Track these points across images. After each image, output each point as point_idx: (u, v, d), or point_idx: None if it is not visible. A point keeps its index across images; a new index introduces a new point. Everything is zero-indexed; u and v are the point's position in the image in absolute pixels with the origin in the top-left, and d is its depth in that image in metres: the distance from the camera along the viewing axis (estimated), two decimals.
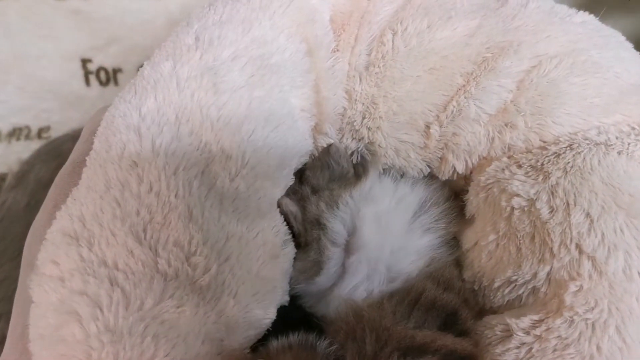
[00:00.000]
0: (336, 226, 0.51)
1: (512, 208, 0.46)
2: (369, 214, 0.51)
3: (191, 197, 0.41)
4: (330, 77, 0.51)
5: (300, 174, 0.53)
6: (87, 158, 0.44)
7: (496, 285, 0.46)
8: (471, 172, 0.53)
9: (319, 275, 0.50)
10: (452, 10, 0.50)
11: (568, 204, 0.43)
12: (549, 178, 0.45)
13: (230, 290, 0.42)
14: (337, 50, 0.52)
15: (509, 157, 0.49)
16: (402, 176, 0.56)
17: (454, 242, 0.53)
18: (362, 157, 0.54)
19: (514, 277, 0.45)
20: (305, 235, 0.50)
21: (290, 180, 0.50)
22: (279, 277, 0.46)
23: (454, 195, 0.56)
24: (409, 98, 0.51)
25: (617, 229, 0.41)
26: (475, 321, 0.46)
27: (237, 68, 0.45)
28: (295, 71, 0.48)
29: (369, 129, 0.53)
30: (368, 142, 0.54)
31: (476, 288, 0.49)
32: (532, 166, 0.47)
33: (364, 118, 0.53)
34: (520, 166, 0.48)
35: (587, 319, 0.39)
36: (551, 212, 0.44)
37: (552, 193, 0.44)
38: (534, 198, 0.45)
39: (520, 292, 0.45)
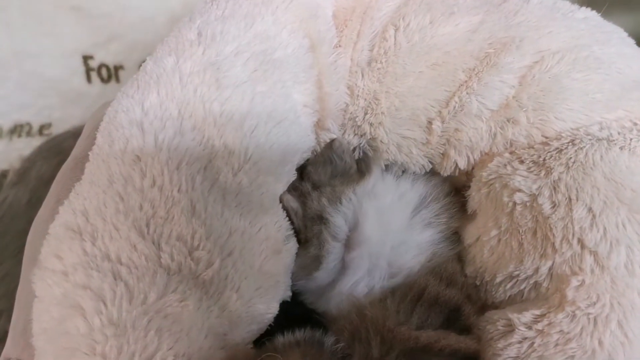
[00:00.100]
0: (338, 221, 0.51)
1: (514, 203, 0.46)
2: (371, 210, 0.51)
3: (194, 191, 0.42)
4: (333, 73, 0.51)
5: (302, 170, 0.53)
6: (89, 153, 0.44)
7: (498, 280, 0.46)
8: (473, 168, 0.53)
9: (318, 270, 0.50)
10: (454, 6, 0.50)
11: (570, 199, 0.43)
12: (551, 173, 0.45)
13: (233, 284, 0.42)
14: (340, 45, 0.52)
15: (511, 153, 0.49)
16: (403, 172, 0.56)
17: (455, 237, 0.53)
18: (364, 153, 0.54)
19: (516, 272, 0.45)
20: (305, 232, 0.50)
21: (292, 176, 0.50)
22: (281, 272, 0.47)
23: (454, 190, 0.56)
24: (411, 94, 0.51)
25: (619, 224, 0.41)
26: (478, 316, 0.46)
27: (239, 63, 0.45)
28: (298, 66, 0.48)
29: (371, 124, 0.53)
30: (370, 138, 0.54)
31: (478, 283, 0.49)
32: (534, 162, 0.47)
33: (366, 114, 0.53)
34: (522, 162, 0.48)
35: (589, 314, 0.39)
36: (553, 207, 0.44)
37: (554, 188, 0.44)
38: (536, 193, 0.45)
39: (522, 287, 0.45)
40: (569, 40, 0.48)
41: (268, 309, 0.45)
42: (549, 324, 0.40)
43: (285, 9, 0.48)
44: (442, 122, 0.51)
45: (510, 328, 0.42)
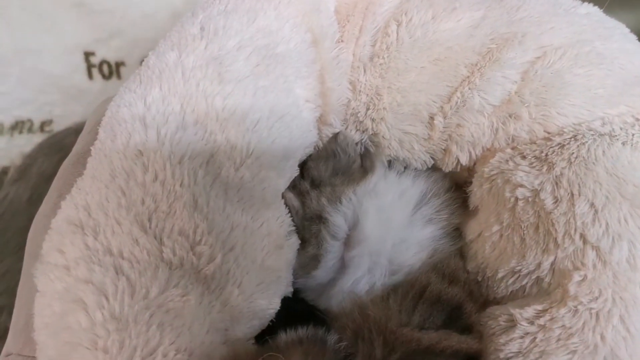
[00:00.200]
0: (338, 220, 0.51)
1: (516, 199, 0.46)
2: (371, 208, 0.51)
3: (196, 186, 0.41)
4: (335, 68, 0.51)
5: (303, 166, 0.53)
6: (92, 148, 0.44)
7: (500, 275, 0.46)
8: (475, 164, 0.53)
9: (316, 269, 0.50)
10: (456, 1, 0.50)
11: (572, 195, 0.43)
12: (553, 169, 0.45)
13: (234, 279, 0.42)
14: (342, 41, 0.52)
15: (512, 149, 0.49)
16: (405, 169, 0.56)
17: (456, 233, 0.53)
18: (365, 148, 0.54)
19: (518, 268, 0.45)
20: (302, 232, 0.50)
21: (295, 171, 0.50)
22: (283, 267, 0.47)
23: (455, 186, 0.56)
24: (413, 89, 0.51)
25: (622, 219, 0.41)
26: (479, 314, 0.46)
27: (242, 58, 0.45)
28: (300, 61, 0.48)
29: (372, 120, 0.53)
30: (372, 134, 0.54)
31: (480, 279, 0.49)
32: (536, 157, 0.47)
33: (367, 109, 0.53)
34: (524, 157, 0.48)
35: (591, 309, 0.39)
36: (555, 202, 0.44)
37: (557, 183, 0.44)
38: (538, 189, 0.45)
39: (524, 282, 0.45)
40: (571, 35, 0.48)
41: (270, 305, 0.45)
42: (551, 319, 0.40)
43: (288, 4, 0.48)
44: (444, 117, 0.51)
45: (512, 323, 0.42)
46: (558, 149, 0.46)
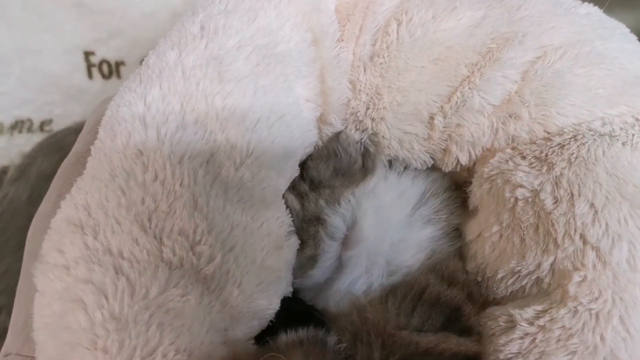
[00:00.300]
0: (336, 221, 0.50)
1: (516, 199, 0.46)
2: (370, 209, 0.51)
3: (196, 186, 0.41)
4: (335, 67, 0.51)
5: (303, 165, 0.53)
6: (91, 147, 0.44)
7: (500, 276, 0.46)
8: (474, 164, 0.53)
9: (313, 269, 0.50)
10: (457, 0, 0.50)
11: (572, 195, 0.43)
12: (553, 169, 0.45)
13: (234, 280, 0.42)
14: (342, 40, 0.52)
15: (512, 149, 0.49)
16: (405, 169, 0.56)
17: (455, 233, 0.53)
18: (365, 148, 0.54)
19: (518, 268, 0.45)
20: (301, 234, 0.50)
21: (295, 171, 0.50)
22: (283, 267, 0.46)
23: (454, 186, 0.56)
24: (413, 89, 0.51)
25: (621, 219, 0.41)
26: (478, 316, 0.46)
27: (242, 57, 0.45)
28: (301, 60, 0.48)
29: (372, 119, 0.53)
30: (372, 133, 0.54)
31: (479, 279, 0.49)
32: (536, 157, 0.47)
33: (367, 109, 0.53)
34: (524, 157, 0.48)
35: (591, 309, 0.39)
36: (555, 202, 0.44)
37: (556, 184, 0.44)
38: (538, 189, 0.45)
39: (523, 282, 0.45)
40: (571, 35, 0.48)
41: (269, 305, 0.45)
42: (551, 319, 0.40)
43: (288, 3, 0.48)
44: (444, 117, 0.51)
45: (512, 324, 0.42)
46: (558, 149, 0.46)
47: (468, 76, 0.50)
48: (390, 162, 0.56)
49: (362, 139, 0.54)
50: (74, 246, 0.38)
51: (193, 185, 0.41)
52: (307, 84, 0.49)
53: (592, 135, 0.45)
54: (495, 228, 0.48)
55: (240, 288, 0.43)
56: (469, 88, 0.49)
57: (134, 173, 0.41)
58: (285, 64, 0.47)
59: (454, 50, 0.50)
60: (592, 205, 0.42)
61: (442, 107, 0.51)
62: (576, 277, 0.40)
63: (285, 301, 0.47)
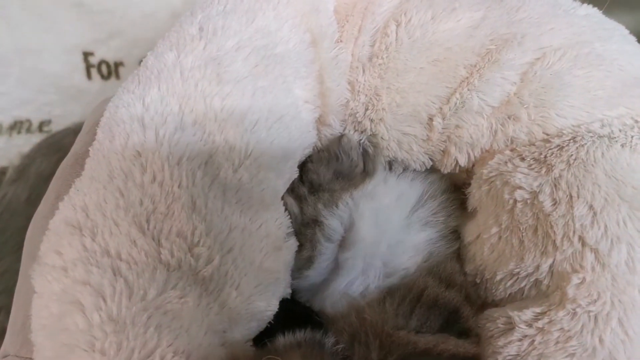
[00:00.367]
0: (333, 224, 0.51)
1: (515, 201, 0.46)
2: (367, 210, 0.51)
3: (195, 187, 0.41)
4: (334, 68, 0.51)
5: (302, 167, 0.53)
6: (90, 148, 0.44)
7: (498, 278, 0.46)
8: (473, 165, 0.53)
9: (309, 269, 0.50)
10: (456, 1, 0.50)
11: (571, 197, 0.43)
12: (552, 171, 0.45)
13: (232, 281, 0.42)
14: (341, 41, 0.52)
15: (511, 150, 0.49)
16: (403, 170, 0.56)
17: (452, 235, 0.53)
18: (364, 149, 0.54)
19: (517, 270, 0.45)
20: (299, 237, 0.50)
21: (294, 172, 0.50)
22: (281, 269, 0.46)
23: (453, 188, 0.56)
24: (412, 90, 0.51)
25: (620, 221, 0.41)
26: (477, 318, 0.46)
27: (240, 58, 0.45)
28: (299, 61, 0.48)
29: (371, 120, 0.53)
30: (370, 134, 0.54)
31: (478, 281, 0.49)
32: (535, 159, 0.47)
33: (366, 110, 0.53)
34: (523, 159, 0.48)
35: (589, 312, 0.39)
36: (554, 204, 0.44)
37: (555, 185, 0.44)
38: (537, 191, 0.45)
39: (522, 284, 0.45)
40: (570, 36, 0.48)
41: (268, 306, 0.45)
42: (550, 321, 0.40)
43: (287, 4, 0.48)
44: (443, 118, 0.51)
45: (511, 326, 0.42)
46: (557, 150, 0.46)
47: (467, 77, 0.50)
48: (389, 163, 0.56)
49: (360, 140, 0.54)
50: (72, 248, 0.38)
51: (191, 186, 0.41)
52: (305, 85, 0.49)
53: (591, 136, 0.45)
54: (494, 230, 0.48)
55: (238, 290, 0.42)
56: (468, 89, 0.49)
57: (132, 174, 0.41)
58: (284, 65, 0.47)
59: (453, 51, 0.50)
60: (591, 207, 0.42)
61: (441, 108, 0.51)
62: (575, 279, 0.40)
63: (283, 302, 0.47)
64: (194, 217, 0.41)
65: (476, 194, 0.51)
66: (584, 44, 0.47)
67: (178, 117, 0.42)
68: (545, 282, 0.43)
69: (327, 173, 0.52)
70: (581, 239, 0.41)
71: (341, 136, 0.53)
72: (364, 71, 0.52)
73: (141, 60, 0.46)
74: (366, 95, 0.53)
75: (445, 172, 0.54)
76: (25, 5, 0.90)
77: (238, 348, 0.43)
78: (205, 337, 0.40)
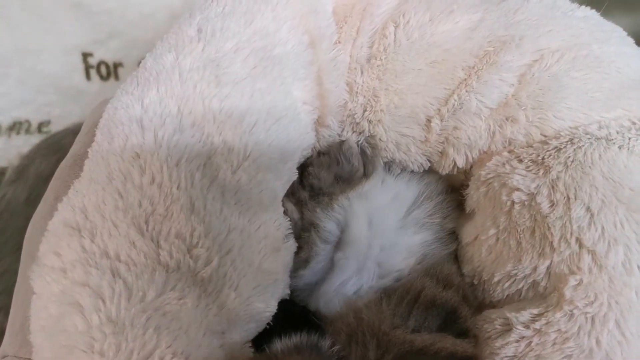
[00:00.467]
0: (329, 226, 0.51)
1: (513, 202, 0.46)
2: (361, 211, 0.51)
3: (193, 189, 0.41)
4: (333, 69, 0.51)
5: (302, 170, 0.53)
6: (89, 150, 0.44)
7: (496, 279, 0.46)
8: (471, 167, 0.53)
9: (304, 269, 0.50)
10: (454, 3, 0.50)
11: (568, 198, 0.43)
12: (550, 172, 0.45)
13: (231, 282, 0.42)
14: (339, 42, 0.52)
15: (509, 152, 0.49)
16: (401, 171, 0.56)
17: (448, 237, 0.53)
18: (362, 151, 0.54)
19: (514, 271, 0.45)
20: (299, 242, 0.50)
21: (293, 174, 0.50)
22: (280, 270, 0.46)
23: (451, 189, 0.57)
24: (411, 91, 0.51)
25: (618, 223, 0.41)
26: (475, 318, 0.46)
27: (239, 60, 0.45)
28: (298, 63, 0.48)
29: (369, 122, 0.53)
30: (369, 136, 0.54)
31: (476, 282, 0.49)
32: (532, 160, 0.47)
33: (365, 111, 0.53)
34: (521, 160, 0.48)
35: (586, 313, 0.39)
36: (552, 206, 0.44)
37: (553, 187, 0.44)
38: (535, 192, 0.45)
39: (520, 286, 0.45)
40: (568, 38, 0.48)
41: (266, 307, 0.45)
42: (547, 323, 0.40)
43: (285, 5, 0.48)
44: (441, 120, 0.51)
45: (508, 327, 0.42)
46: (554, 152, 0.46)
47: (465, 79, 0.50)
48: (387, 164, 0.56)
49: (359, 141, 0.54)
50: (71, 249, 0.38)
51: (190, 188, 0.41)
52: (304, 86, 0.49)
53: (589, 138, 0.46)
54: (492, 231, 0.48)
55: (237, 291, 0.43)
56: (466, 91, 0.49)
57: (131, 176, 0.41)
58: (283, 67, 0.47)
59: (451, 53, 0.50)
60: (588, 208, 0.42)
61: (439, 109, 0.51)
62: (572, 281, 0.40)
63: (282, 303, 0.47)
64: (192, 219, 0.41)
65: (474, 196, 0.51)
66: (582, 46, 0.47)
67: (177, 119, 0.42)
68: (543, 283, 0.43)
69: (328, 177, 0.52)
70: (578, 241, 0.41)
71: (342, 142, 0.53)
72: (362, 72, 0.52)
73: (140, 61, 0.46)
74: (364, 96, 0.53)
75: (443, 173, 0.55)
76: (25, 5, 0.90)
77: (237, 350, 0.43)
78: (204, 338, 0.40)
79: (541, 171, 0.46)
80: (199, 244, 0.41)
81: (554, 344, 0.40)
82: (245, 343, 0.44)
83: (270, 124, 0.46)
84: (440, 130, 0.52)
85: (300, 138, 0.49)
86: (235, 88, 0.44)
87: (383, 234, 0.51)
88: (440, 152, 0.53)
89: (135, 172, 0.41)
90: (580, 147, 0.45)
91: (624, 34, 0.50)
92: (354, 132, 0.54)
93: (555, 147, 0.46)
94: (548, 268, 0.43)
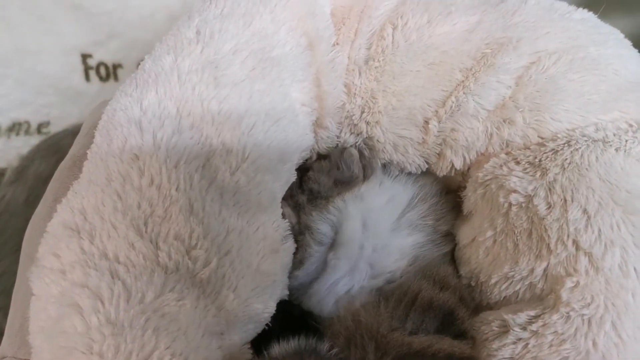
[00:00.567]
0: (323, 228, 0.51)
1: (510, 204, 0.47)
2: (356, 213, 0.52)
3: (192, 190, 0.42)
4: (331, 71, 0.51)
5: (302, 174, 0.53)
6: (88, 151, 0.44)
7: (493, 281, 0.47)
8: (469, 169, 0.53)
9: (299, 270, 0.50)
10: (452, 5, 0.50)
11: (565, 201, 0.43)
12: (547, 174, 0.45)
13: (230, 284, 0.42)
14: (337, 44, 0.52)
15: (507, 154, 0.49)
16: (399, 173, 0.56)
17: (442, 239, 0.54)
18: (360, 153, 0.55)
19: (511, 273, 0.45)
20: (296, 244, 0.50)
21: (292, 175, 0.50)
22: (278, 271, 0.46)
23: (450, 191, 0.57)
24: (409, 93, 0.51)
25: (614, 225, 0.41)
26: (472, 320, 0.46)
27: (238, 62, 0.45)
28: (296, 65, 0.48)
29: (367, 123, 0.53)
30: (366, 137, 0.54)
31: (473, 284, 0.49)
32: (530, 162, 0.47)
33: (362, 112, 0.53)
34: (518, 162, 0.48)
35: (583, 315, 0.40)
36: (548, 208, 0.44)
37: (550, 189, 0.44)
38: (532, 194, 0.45)
39: (517, 288, 0.45)
40: (565, 41, 0.48)
41: (265, 309, 0.45)
42: (544, 325, 0.41)
43: (284, 7, 0.48)
44: (439, 121, 0.51)
45: (505, 329, 0.43)
46: (552, 154, 0.46)
47: (463, 81, 0.50)
48: (385, 166, 0.56)
49: (356, 142, 0.54)
50: (70, 250, 0.39)
51: (189, 189, 0.42)
52: (302, 88, 0.50)
53: (586, 140, 0.46)
54: (489, 233, 0.48)
55: (235, 292, 0.43)
56: (464, 93, 0.50)
57: (130, 177, 0.41)
58: (281, 68, 0.47)
59: (449, 54, 0.50)
60: (585, 211, 0.42)
61: (436, 111, 0.51)
62: (569, 283, 0.41)
63: (281, 304, 0.47)
64: (191, 220, 0.41)
65: (471, 197, 0.51)
66: (579, 48, 0.48)
67: (175, 121, 0.42)
68: (540, 285, 0.43)
69: (327, 181, 0.52)
70: (575, 243, 0.42)
71: (344, 149, 0.54)
72: (360, 74, 0.52)
73: (139, 63, 0.47)
74: (362, 98, 0.53)
75: (441, 175, 0.55)
76: (24, 6, 0.90)
77: (235, 351, 0.43)
78: (202, 339, 0.40)
79: (538, 173, 0.46)
80: (198, 245, 0.41)
81: (551, 345, 0.40)
82: (244, 344, 0.44)
83: (269, 125, 0.46)
84: (438, 131, 0.52)
85: (298, 139, 0.49)
86: (233, 90, 0.44)
87: (376, 236, 0.51)
88: (438, 154, 0.54)
89: (134, 173, 0.41)
90: (577, 149, 0.45)
91: (622, 36, 0.50)
92: (351, 133, 0.55)
93: (552, 149, 0.46)
94: (545, 270, 0.43)
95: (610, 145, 0.45)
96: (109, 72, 0.97)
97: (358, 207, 0.52)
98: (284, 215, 0.49)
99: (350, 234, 0.51)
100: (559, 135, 0.47)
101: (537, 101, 0.48)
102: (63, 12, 0.91)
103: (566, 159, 0.45)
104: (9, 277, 0.67)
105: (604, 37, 0.49)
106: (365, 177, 0.53)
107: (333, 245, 0.51)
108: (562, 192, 0.44)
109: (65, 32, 0.93)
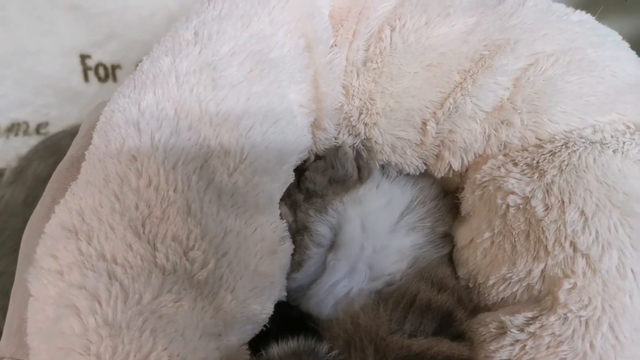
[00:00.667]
0: (322, 229, 0.51)
1: (508, 206, 0.47)
2: (355, 215, 0.52)
3: (190, 191, 0.42)
4: (329, 73, 0.51)
5: (300, 174, 0.53)
6: (86, 152, 0.44)
7: (491, 282, 0.47)
8: (467, 170, 0.53)
9: (297, 272, 0.50)
10: (450, 7, 0.50)
11: (563, 202, 0.43)
12: (545, 176, 0.45)
13: (228, 285, 0.42)
14: (335, 45, 0.52)
15: (504, 155, 0.49)
16: (397, 175, 0.56)
17: (440, 241, 0.54)
18: (358, 154, 0.55)
19: (509, 275, 0.45)
20: (294, 244, 0.50)
21: (290, 176, 0.50)
22: (276, 272, 0.47)
23: (446, 192, 0.57)
24: (406, 94, 0.51)
25: (612, 227, 0.41)
26: (470, 320, 0.46)
27: (235, 63, 0.45)
28: (294, 66, 0.48)
29: (365, 124, 0.53)
30: (364, 138, 0.54)
31: (471, 285, 0.49)
32: (527, 164, 0.47)
33: (360, 114, 0.53)
34: (516, 164, 0.48)
35: (580, 316, 0.40)
36: (546, 210, 0.44)
37: (547, 191, 0.45)
38: (529, 196, 0.45)
39: (514, 289, 0.45)
40: (563, 42, 0.48)
41: (263, 310, 0.45)
42: (541, 326, 0.41)
43: (282, 9, 0.48)
44: (437, 123, 0.51)
45: (503, 330, 0.43)
46: (549, 156, 0.46)
47: (460, 82, 0.50)
48: (383, 167, 0.56)
49: (354, 144, 0.54)
50: (68, 252, 0.39)
51: (187, 190, 0.42)
52: (300, 89, 0.50)
53: (583, 142, 0.46)
54: (487, 234, 0.48)
55: (233, 293, 0.43)
56: (462, 94, 0.50)
57: (128, 179, 0.41)
58: (279, 70, 0.47)
59: (447, 56, 0.50)
60: (582, 212, 0.42)
61: (434, 113, 0.51)
62: (566, 284, 0.41)
63: (279, 306, 0.47)
64: (189, 221, 0.41)
65: (469, 199, 0.51)
66: (577, 50, 0.48)
67: (173, 122, 0.42)
68: (537, 286, 0.43)
69: (322, 180, 0.52)
70: (572, 245, 0.42)
71: (338, 147, 0.54)
72: (358, 75, 0.52)
73: (138, 64, 0.47)
74: (360, 99, 0.53)
75: (439, 176, 0.55)
76: (23, 7, 0.90)
77: (233, 352, 0.43)
78: (200, 340, 0.40)
79: (536, 175, 0.46)
80: (196, 246, 0.41)
81: (548, 347, 0.40)
82: (242, 345, 0.44)
83: (267, 126, 0.46)
84: (436, 133, 0.52)
85: (296, 141, 0.49)
86: (231, 91, 0.44)
87: (375, 238, 0.51)
88: (436, 155, 0.54)
89: (132, 174, 0.41)
90: (574, 151, 0.45)
91: (619, 38, 0.50)
92: (350, 134, 0.55)
93: (550, 150, 0.46)
94: (542, 271, 0.43)
95: (608, 147, 0.45)
96: (108, 73, 0.97)
97: (357, 210, 0.52)
98: (281, 216, 0.49)
99: (350, 235, 0.51)
100: (556, 137, 0.47)
101: (535, 103, 0.48)
102: (62, 12, 0.91)
103: (564, 161, 0.45)
104: (7, 277, 0.67)
105: (601, 39, 0.49)
106: (361, 178, 0.53)
107: (333, 246, 0.51)
108: (560, 193, 0.44)
109: (64, 32, 0.93)
